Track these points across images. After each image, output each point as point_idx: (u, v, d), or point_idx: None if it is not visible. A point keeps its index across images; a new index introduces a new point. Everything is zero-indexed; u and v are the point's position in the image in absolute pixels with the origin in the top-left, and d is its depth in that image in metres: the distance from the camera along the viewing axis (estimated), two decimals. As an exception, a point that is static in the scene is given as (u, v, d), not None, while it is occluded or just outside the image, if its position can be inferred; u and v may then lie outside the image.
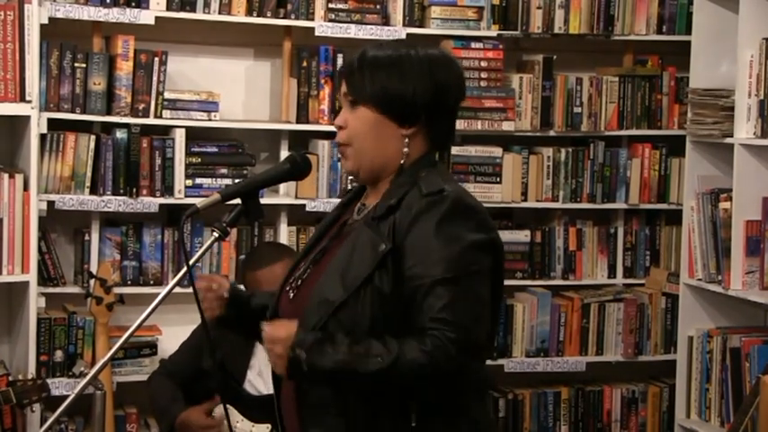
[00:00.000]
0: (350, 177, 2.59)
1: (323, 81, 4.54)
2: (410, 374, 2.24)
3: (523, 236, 4.84)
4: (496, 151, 4.76)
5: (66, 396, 2.33)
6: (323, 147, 4.56)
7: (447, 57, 2.54)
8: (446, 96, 2.46)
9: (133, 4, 4.33)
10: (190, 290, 2.49)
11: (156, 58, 4.36)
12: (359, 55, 2.46)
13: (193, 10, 4.42)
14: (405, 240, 2.32)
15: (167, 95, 4.39)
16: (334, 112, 4.54)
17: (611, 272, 5.01)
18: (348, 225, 2.51)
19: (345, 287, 2.33)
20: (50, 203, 4.26)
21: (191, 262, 2.41)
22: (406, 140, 2.43)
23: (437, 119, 2.45)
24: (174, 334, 4.28)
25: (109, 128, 4.37)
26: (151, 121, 4.38)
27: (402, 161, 2.43)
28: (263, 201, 2.51)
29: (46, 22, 4.17)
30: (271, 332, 2.29)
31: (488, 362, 4.75)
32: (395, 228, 2.34)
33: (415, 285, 2.29)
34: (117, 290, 4.27)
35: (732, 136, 4.42)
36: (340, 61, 4.55)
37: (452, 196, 2.36)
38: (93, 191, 4.33)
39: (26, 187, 4.16)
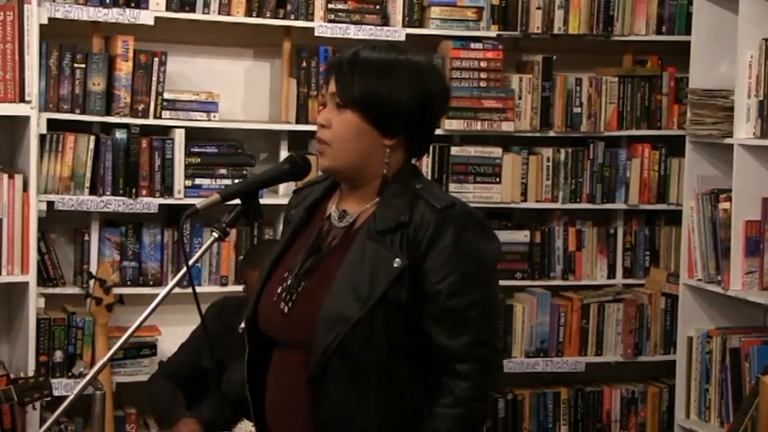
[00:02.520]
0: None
1: (322, 81, 4.53)
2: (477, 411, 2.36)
3: (523, 236, 4.84)
4: (496, 151, 4.76)
5: (66, 396, 2.32)
6: (322, 147, 4.55)
7: (437, 69, 2.54)
8: (431, 110, 2.47)
9: (132, 4, 4.33)
10: (189, 290, 2.49)
11: (156, 59, 4.36)
12: (350, 55, 2.44)
13: (193, 10, 4.42)
14: (426, 256, 2.35)
15: (167, 96, 4.39)
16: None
17: (611, 272, 5.01)
18: (326, 232, 2.49)
19: (361, 303, 2.32)
20: (50, 204, 4.26)
21: (190, 262, 2.40)
22: (387, 151, 2.43)
23: (418, 130, 2.47)
24: (173, 334, 4.28)
25: (108, 128, 4.37)
26: (150, 121, 4.38)
27: (384, 171, 2.44)
28: (262, 201, 2.51)
29: (45, 22, 4.17)
30: None
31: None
32: (409, 242, 2.35)
33: (444, 306, 2.34)
34: (116, 290, 4.28)
35: (732, 136, 4.43)
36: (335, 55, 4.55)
37: (465, 210, 2.41)
38: (93, 191, 4.33)
39: (26, 188, 4.16)
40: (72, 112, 4.29)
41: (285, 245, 2.55)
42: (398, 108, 2.40)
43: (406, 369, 2.36)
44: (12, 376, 4.04)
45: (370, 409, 2.35)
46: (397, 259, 2.34)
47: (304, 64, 4.55)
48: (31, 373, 4.01)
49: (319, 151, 2.46)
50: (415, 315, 2.35)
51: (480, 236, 2.39)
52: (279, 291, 2.46)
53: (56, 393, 4.05)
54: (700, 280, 4.62)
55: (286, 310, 2.43)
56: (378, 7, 4.62)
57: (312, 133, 4.60)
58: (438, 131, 4.62)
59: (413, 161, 2.50)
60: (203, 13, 4.43)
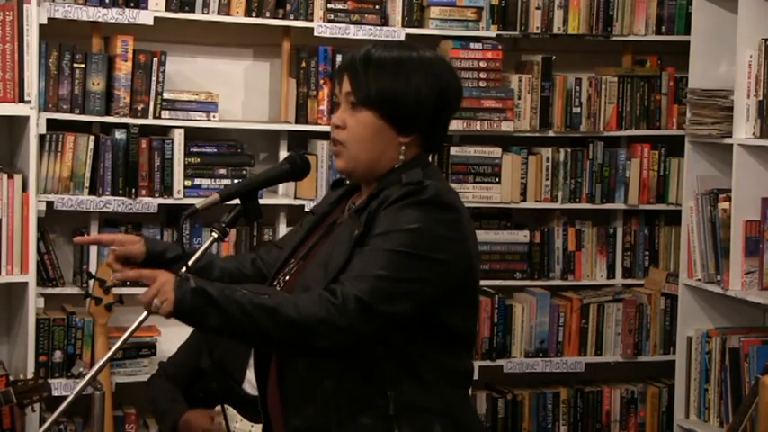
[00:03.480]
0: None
1: (322, 81, 4.54)
2: (298, 318, 2.22)
3: (522, 236, 4.84)
4: (495, 152, 4.76)
5: (66, 397, 2.32)
6: (322, 147, 4.56)
7: (448, 64, 2.53)
8: (447, 105, 2.47)
9: (132, 4, 4.33)
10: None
11: (155, 59, 4.36)
12: (363, 54, 2.44)
13: (192, 10, 4.42)
14: (373, 221, 2.34)
15: (166, 96, 4.39)
16: (333, 112, 4.54)
17: (610, 272, 5.00)
18: (338, 223, 2.52)
19: (326, 276, 2.34)
20: (49, 204, 4.26)
21: (190, 262, 2.40)
22: (403, 148, 2.44)
23: (434, 127, 2.47)
24: (172, 334, 4.27)
25: (108, 128, 4.37)
26: (150, 121, 4.38)
27: (396, 165, 2.44)
28: (261, 201, 2.51)
29: (45, 22, 4.17)
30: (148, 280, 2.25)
31: (488, 362, 4.78)
32: (369, 214, 2.36)
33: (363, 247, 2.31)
34: (116, 290, 4.27)
35: (731, 136, 4.43)
36: (339, 62, 4.55)
37: (432, 190, 2.35)
38: (92, 191, 4.33)
39: (25, 188, 4.16)
40: (71, 112, 4.29)
41: (305, 236, 2.57)
42: (416, 105, 2.41)
43: (369, 352, 2.34)
44: (11, 377, 4.04)
45: (329, 387, 2.35)
46: (356, 230, 2.35)
47: (303, 64, 4.55)
48: (30, 375, 4.01)
49: (335, 153, 2.47)
50: None
51: (437, 217, 2.33)
52: (280, 275, 2.52)
53: (55, 393, 4.05)
54: (699, 280, 4.62)
55: (278, 288, 2.49)
56: (377, 7, 4.62)
57: (311, 133, 4.62)
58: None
59: (428, 157, 2.50)
60: (203, 13, 4.43)
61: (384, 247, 2.29)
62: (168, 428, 3.91)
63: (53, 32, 4.24)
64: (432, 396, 2.39)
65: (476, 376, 4.33)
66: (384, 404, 2.35)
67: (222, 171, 4.48)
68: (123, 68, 4.32)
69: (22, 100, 4.14)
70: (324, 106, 4.55)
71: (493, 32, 4.76)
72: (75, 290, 4.39)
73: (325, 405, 2.36)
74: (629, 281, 5.03)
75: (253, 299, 2.23)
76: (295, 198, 4.58)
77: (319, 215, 2.60)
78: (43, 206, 4.23)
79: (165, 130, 4.46)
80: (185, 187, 4.42)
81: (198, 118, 4.43)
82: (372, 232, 2.33)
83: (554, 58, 4.83)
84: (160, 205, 4.41)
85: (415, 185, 2.35)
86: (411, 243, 2.30)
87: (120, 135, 4.35)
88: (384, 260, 2.28)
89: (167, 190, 4.40)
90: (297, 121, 4.57)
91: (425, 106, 2.41)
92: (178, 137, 4.42)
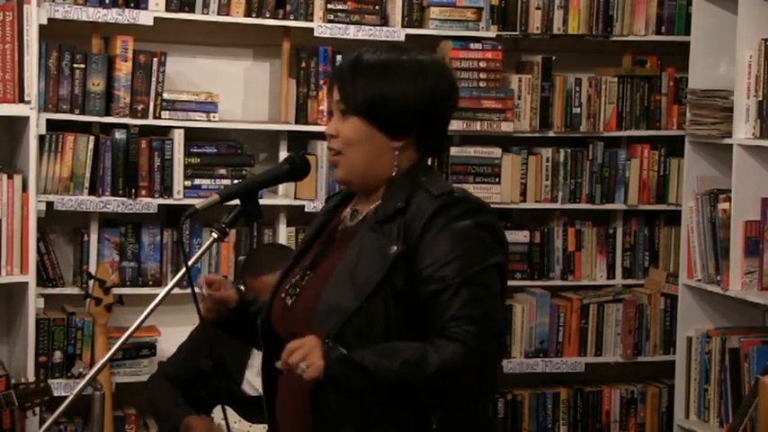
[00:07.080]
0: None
1: (322, 82, 4.54)
2: (440, 369, 2.24)
3: (522, 236, 4.84)
4: (495, 152, 4.76)
5: (66, 397, 2.32)
6: (322, 147, 4.55)
7: (442, 65, 2.52)
8: (439, 108, 2.45)
9: (132, 4, 4.33)
10: (189, 290, 2.49)
11: (155, 59, 4.36)
12: (351, 62, 2.43)
13: (192, 10, 4.42)
14: (420, 241, 2.32)
15: (166, 96, 4.39)
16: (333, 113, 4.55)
17: (610, 272, 5.01)
18: (339, 231, 2.50)
19: (358, 293, 2.31)
20: (49, 204, 4.26)
21: (189, 263, 2.40)
22: (396, 153, 2.42)
23: (428, 130, 2.45)
24: (172, 335, 4.28)
25: (108, 128, 4.37)
26: (150, 121, 4.38)
27: (393, 173, 2.43)
28: (261, 201, 2.51)
29: (45, 22, 4.17)
30: (293, 343, 2.25)
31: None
32: (406, 229, 2.34)
33: (433, 289, 2.30)
34: (116, 290, 4.28)
35: (731, 136, 4.43)
36: (339, 62, 4.55)
37: (464, 197, 2.39)
38: (92, 191, 4.33)
39: (25, 188, 4.16)
40: (71, 112, 4.29)
41: (304, 248, 2.56)
42: (404, 109, 2.39)
43: None
44: (11, 377, 4.04)
45: (369, 404, 2.32)
46: (393, 246, 2.33)
47: (303, 64, 4.56)
48: (31, 377, 4.01)
49: (333, 162, 2.48)
50: (414, 303, 2.32)
51: (478, 223, 2.35)
52: (287, 287, 2.49)
53: (55, 394, 4.04)
54: (699, 280, 4.62)
55: (289, 302, 2.46)
56: (377, 7, 4.62)
57: (311, 133, 4.63)
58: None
59: (428, 161, 2.50)
60: (203, 13, 4.43)
61: (462, 276, 2.29)
62: (168, 431, 3.92)
63: (53, 33, 4.24)
64: (471, 407, 2.41)
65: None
66: (427, 423, 2.34)
67: (222, 171, 4.48)
68: (123, 69, 4.32)
69: (22, 100, 4.14)
70: (324, 106, 4.55)
71: (493, 33, 4.76)
72: (75, 290, 4.39)
73: (364, 424, 2.33)
74: (629, 281, 5.03)
75: (397, 358, 2.24)
76: (295, 198, 4.58)
77: (318, 225, 2.58)
78: (43, 206, 4.23)
79: (165, 131, 4.46)
80: (185, 187, 4.42)
81: (198, 118, 4.43)
82: (425, 258, 2.31)
83: (554, 58, 4.83)
84: (160, 205, 4.41)
85: (448, 196, 2.36)
86: (475, 264, 2.32)
87: (120, 135, 4.35)
88: (468, 293, 2.29)
89: (167, 190, 4.40)
90: (297, 122, 4.57)
91: (414, 110, 2.40)
92: (178, 137, 4.42)
